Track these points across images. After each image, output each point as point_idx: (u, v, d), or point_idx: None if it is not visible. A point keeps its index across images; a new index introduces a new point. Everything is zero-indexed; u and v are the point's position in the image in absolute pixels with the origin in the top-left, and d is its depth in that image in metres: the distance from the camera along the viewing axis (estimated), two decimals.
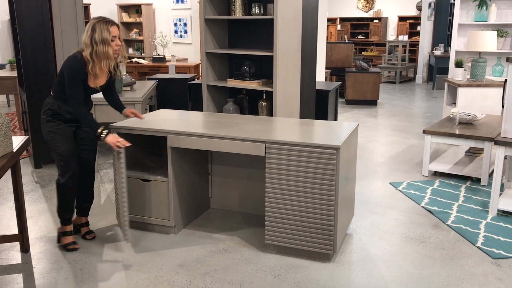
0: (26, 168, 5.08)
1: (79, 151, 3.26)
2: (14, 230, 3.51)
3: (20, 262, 3.15)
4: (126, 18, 10.35)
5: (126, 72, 6.77)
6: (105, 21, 3.05)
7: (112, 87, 3.38)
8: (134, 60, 9.08)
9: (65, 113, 3.12)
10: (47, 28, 4.87)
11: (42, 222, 3.75)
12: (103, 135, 3.06)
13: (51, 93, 3.17)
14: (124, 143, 3.07)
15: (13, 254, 3.25)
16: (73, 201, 3.29)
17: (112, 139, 3.06)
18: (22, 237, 3.22)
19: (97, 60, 3.04)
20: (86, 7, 9.37)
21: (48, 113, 3.13)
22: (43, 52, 4.89)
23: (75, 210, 3.39)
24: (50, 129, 3.13)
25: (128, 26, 10.51)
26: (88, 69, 3.03)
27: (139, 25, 10.25)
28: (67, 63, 3.05)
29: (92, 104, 3.37)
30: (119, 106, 3.45)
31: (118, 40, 3.08)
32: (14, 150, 2.93)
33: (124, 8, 10.36)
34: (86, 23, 8.07)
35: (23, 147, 3.08)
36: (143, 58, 9.71)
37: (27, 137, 3.22)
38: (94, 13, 9.81)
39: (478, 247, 3.31)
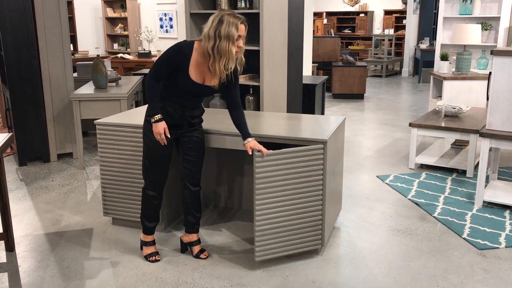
0: (11, 166, 5.01)
1: (184, 161, 2.98)
2: None
3: (5, 261, 3.10)
4: (110, 13, 10.24)
5: (112, 67, 6.70)
6: (235, 16, 2.67)
7: (232, 94, 2.90)
8: (119, 55, 9.00)
9: (164, 115, 2.81)
10: (29, 23, 4.80)
11: (27, 220, 3.70)
12: (154, 120, 2.76)
13: None
14: (164, 141, 2.80)
15: None
16: (155, 211, 3.06)
17: (158, 129, 2.76)
18: (6, 236, 3.18)
19: (217, 56, 2.67)
20: (70, 2, 9.23)
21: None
22: (25, 48, 4.82)
23: (185, 226, 3.12)
24: (146, 131, 2.88)
25: (113, 21, 10.40)
26: (208, 65, 2.71)
27: (124, 20, 10.14)
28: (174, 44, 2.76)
29: (202, 111, 3.00)
30: (241, 128, 2.91)
31: (241, 42, 2.71)
32: None
33: (109, 3, 10.24)
34: (70, 18, 7.97)
35: (6, 144, 3.03)
36: (129, 54, 9.62)
37: (10, 134, 3.17)
38: (77, 8, 9.69)
39: (464, 238, 3.35)
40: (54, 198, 4.14)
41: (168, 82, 2.81)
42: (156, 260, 3.05)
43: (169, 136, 2.83)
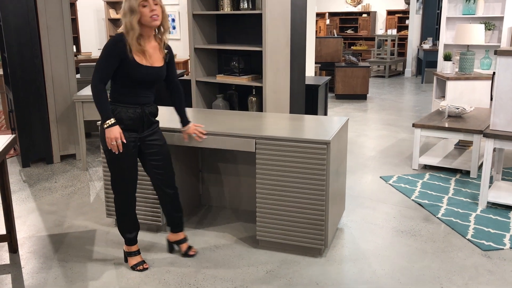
0: (14, 167, 5.01)
1: (154, 168, 2.91)
2: (2, 230, 3.45)
3: (9, 262, 3.11)
4: (113, 14, 10.25)
5: None
6: None
7: (171, 73, 2.90)
8: None
9: (126, 119, 2.73)
10: (32, 24, 4.80)
11: (30, 221, 3.70)
12: (107, 125, 2.65)
13: (109, 99, 2.77)
14: (119, 146, 2.69)
15: (1, 254, 3.20)
16: (133, 220, 2.96)
17: (113, 133, 2.66)
18: (10, 237, 3.18)
19: (130, 33, 2.64)
20: (73, 4, 9.26)
21: None
22: (28, 49, 4.83)
23: (138, 229, 3.03)
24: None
25: (115, 22, 10.41)
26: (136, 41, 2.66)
27: None
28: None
29: (157, 108, 2.91)
30: (181, 113, 3.02)
31: (153, 4, 2.63)
32: (0, 150, 2.88)
33: (112, 4, 10.25)
34: (73, 19, 8.01)
35: (9, 146, 3.03)
36: None
37: (13, 136, 3.17)
38: (80, 9, 9.71)
39: (468, 240, 3.33)
40: (57, 199, 4.14)
41: (119, 82, 2.74)
42: (145, 269, 2.97)
43: (125, 141, 2.71)
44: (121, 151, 2.71)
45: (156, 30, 2.79)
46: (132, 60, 2.68)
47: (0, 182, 3.12)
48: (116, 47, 2.66)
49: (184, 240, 3.15)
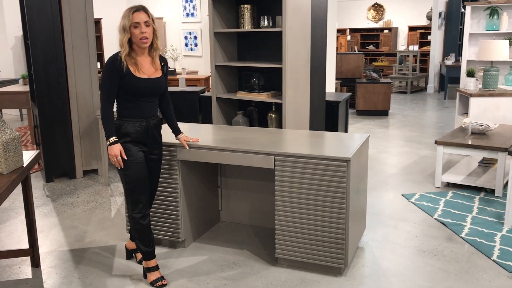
0: (38, 182, 5.10)
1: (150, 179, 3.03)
2: (25, 245, 3.51)
3: (31, 276, 3.15)
4: None
5: None
6: (131, 8, 2.79)
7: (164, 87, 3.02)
8: None
9: (133, 132, 2.86)
10: (58, 42, 4.93)
11: (52, 236, 3.75)
12: (109, 143, 2.80)
13: (116, 114, 2.93)
14: (120, 163, 2.82)
15: (24, 268, 3.25)
16: (148, 232, 2.96)
17: (113, 151, 2.79)
18: (32, 252, 3.23)
19: (122, 49, 2.81)
20: (97, 22, 9.48)
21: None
22: (54, 66, 4.95)
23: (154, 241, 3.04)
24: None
25: None
26: (127, 58, 2.81)
27: None
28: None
29: (161, 120, 3.03)
30: (173, 124, 3.18)
31: (144, 27, 2.76)
32: (25, 165, 2.94)
33: None
34: (97, 37, 8.17)
35: (34, 161, 3.09)
36: None
37: (37, 151, 3.23)
38: (105, 27, 9.93)
39: (494, 261, 3.24)
40: (79, 214, 4.20)
41: (123, 97, 2.86)
42: (163, 285, 2.96)
43: (126, 158, 2.82)
44: (122, 167, 2.84)
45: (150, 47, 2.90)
46: (130, 75, 2.81)
47: (24, 197, 3.18)
48: (115, 64, 2.80)
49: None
